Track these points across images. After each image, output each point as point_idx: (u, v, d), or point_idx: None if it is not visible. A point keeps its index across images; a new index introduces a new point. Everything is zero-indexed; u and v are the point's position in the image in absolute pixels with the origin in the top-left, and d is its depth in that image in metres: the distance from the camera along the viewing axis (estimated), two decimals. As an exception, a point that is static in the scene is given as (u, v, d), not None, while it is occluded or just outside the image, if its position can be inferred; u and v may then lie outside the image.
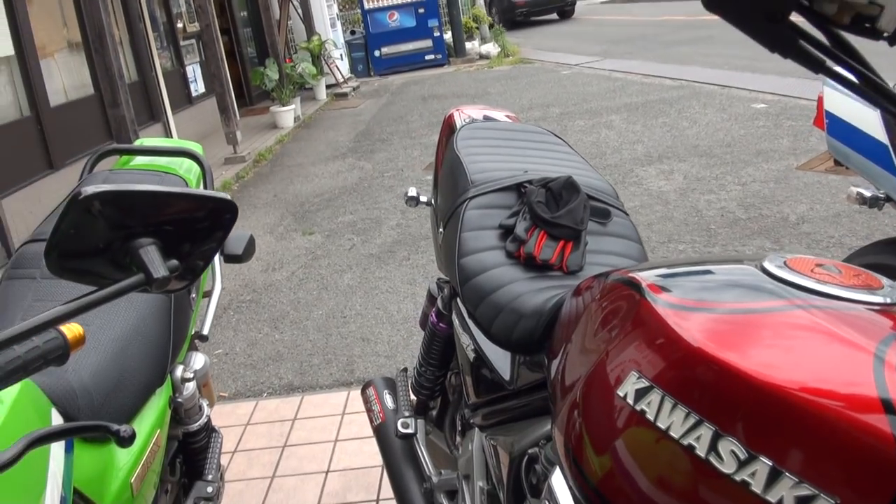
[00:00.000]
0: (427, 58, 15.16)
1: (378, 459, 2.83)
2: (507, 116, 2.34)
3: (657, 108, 8.40)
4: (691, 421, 0.78)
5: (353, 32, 15.34)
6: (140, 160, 2.10)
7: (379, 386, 2.04)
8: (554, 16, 22.16)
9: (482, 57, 15.53)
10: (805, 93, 7.73)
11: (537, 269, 1.61)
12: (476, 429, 1.57)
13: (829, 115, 2.18)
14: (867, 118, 2.04)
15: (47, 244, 0.84)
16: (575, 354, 1.07)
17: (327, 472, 2.83)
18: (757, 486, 0.71)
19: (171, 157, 2.08)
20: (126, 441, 1.02)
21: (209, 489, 1.84)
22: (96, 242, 0.86)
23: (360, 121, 10.31)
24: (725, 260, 1.07)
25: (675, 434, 0.79)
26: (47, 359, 0.93)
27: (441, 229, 1.82)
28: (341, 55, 13.83)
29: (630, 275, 1.02)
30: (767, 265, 0.91)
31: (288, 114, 10.11)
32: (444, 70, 14.78)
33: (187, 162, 2.09)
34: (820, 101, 2.24)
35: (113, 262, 0.88)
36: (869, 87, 0.77)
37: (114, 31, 6.42)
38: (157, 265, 0.86)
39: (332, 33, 13.71)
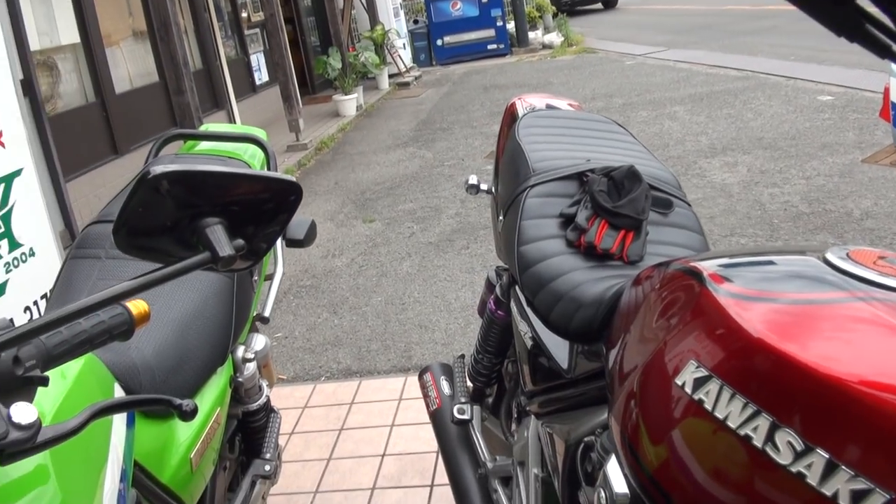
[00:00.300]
0: (489, 47, 15.11)
1: (433, 445, 2.85)
2: (570, 105, 2.32)
3: (722, 100, 8.25)
4: (749, 411, 0.77)
5: (416, 22, 15.37)
6: (204, 145, 2.14)
7: (436, 372, 2.05)
8: (598, 5, 21.99)
9: (545, 47, 15.42)
10: (871, 85, 7.51)
11: (597, 258, 1.59)
12: (532, 416, 1.57)
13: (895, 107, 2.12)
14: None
15: (116, 222, 0.86)
16: (633, 343, 1.07)
17: (383, 455, 2.86)
18: (812, 479, 0.71)
19: (236, 142, 2.12)
20: (188, 415, 1.04)
21: (267, 467, 1.87)
22: (164, 221, 0.88)
23: (421, 110, 10.34)
24: (788, 251, 1.05)
25: (732, 424, 0.79)
26: (112, 333, 0.96)
27: (501, 217, 1.82)
28: (404, 44, 13.87)
29: (691, 264, 1.01)
30: (830, 257, 0.89)
31: (350, 102, 10.19)
32: (506, 60, 14.72)
33: (251, 147, 2.12)
34: (886, 92, 2.18)
35: (179, 241, 0.90)
36: None
37: (179, 20, 6.54)
38: (224, 244, 0.88)
39: (396, 22, 13.76)
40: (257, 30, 10.54)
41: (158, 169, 0.83)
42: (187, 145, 2.15)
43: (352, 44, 11.59)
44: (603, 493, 1.01)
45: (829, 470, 0.70)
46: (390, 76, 12.66)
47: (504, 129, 2.25)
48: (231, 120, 8.94)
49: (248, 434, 1.90)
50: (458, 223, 5.54)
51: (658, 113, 8.05)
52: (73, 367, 1.18)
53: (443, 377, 2.02)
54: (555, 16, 16.88)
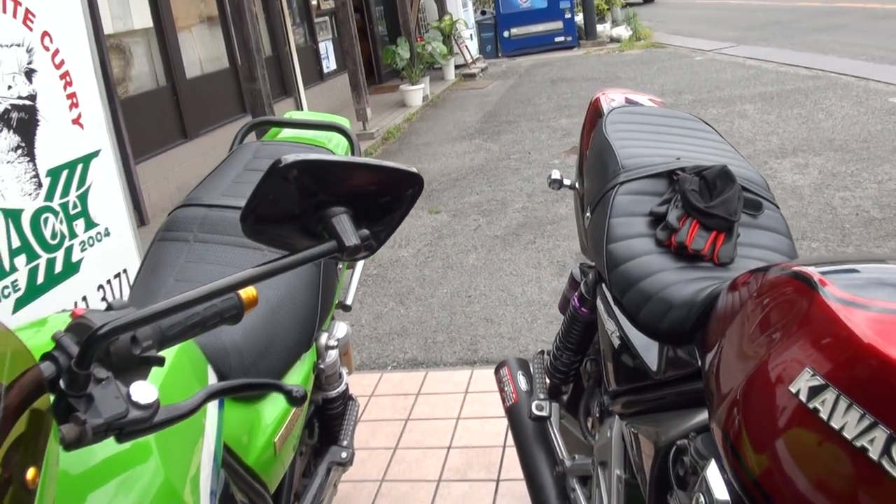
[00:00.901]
0: (557, 40, 15.00)
1: (500, 440, 2.86)
2: (652, 101, 2.28)
3: (792, 99, 8.08)
4: (866, 423, 0.76)
5: (483, 13, 15.32)
6: (288, 132, 2.16)
7: (513, 367, 2.04)
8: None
9: (613, 40, 15.26)
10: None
11: (687, 258, 1.57)
12: (616, 416, 1.55)
13: None
14: None
15: (244, 209, 0.87)
16: (737, 348, 1.04)
17: (449, 447, 2.86)
18: None
19: (320, 130, 2.14)
20: (297, 401, 1.05)
21: (343, 454, 1.89)
22: (291, 209, 0.89)
23: (487, 102, 10.32)
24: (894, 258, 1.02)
25: (847, 435, 0.77)
26: (223, 317, 0.97)
27: (588, 213, 1.80)
28: (471, 35, 13.84)
29: (798, 269, 0.98)
30: None
31: (417, 93, 10.21)
32: (573, 53, 14.60)
33: (336, 136, 2.13)
34: None
35: (304, 230, 0.91)
36: None
37: (252, 6, 6.61)
38: (350, 234, 0.89)
39: (464, 13, 13.73)
40: (326, 17, 10.61)
41: (289, 158, 0.84)
42: (271, 132, 2.17)
43: (419, 34, 11.60)
44: (703, 499, 1.00)
45: None
46: (456, 67, 12.65)
47: (588, 125, 2.23)
48: (299, 107, 9.04)
49: (326, 420, 1.92)
50: (525, 217, 5.51)
51: (728, 111, 7.90)
52: (172, 349, 1.21)
53: (520, 372, 2.01)
54: (623, 7, 16.68)
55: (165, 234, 1.79)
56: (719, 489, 0.97)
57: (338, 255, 0.90)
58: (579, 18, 15.53)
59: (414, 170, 0.94)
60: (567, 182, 2.13)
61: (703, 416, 1.21)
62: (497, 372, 2.07)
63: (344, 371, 1.94)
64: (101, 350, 0.82)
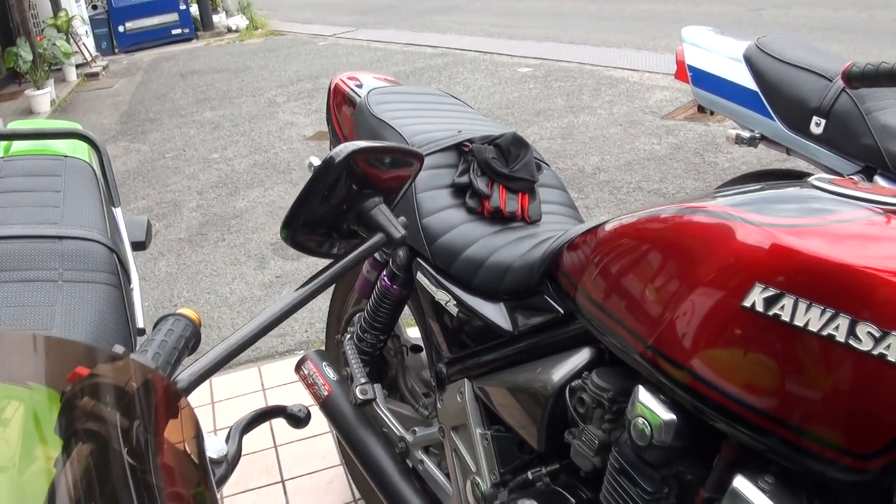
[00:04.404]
0: (174, 32, 14.41)
1: (268, 441, 2.78)
2: (387, 80, 2.35)
3: (427, 76, 8.62)
4: (828, 315, 0.89)
5: (94, 7, 14.18)
6: (21, 145, 1.89)
7: (316, 360, 1.99)
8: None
9: (231, 30, 15.05)
10: (564, 56, 8.31)
11: (501, 221, 1.67)
12: (465, 380, 1.60)
13: (693, 69, 2.42)
14: (733, 69, 2.29)
15: (288, 217, 0.80)
16: (651, 285, 1.13)
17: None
18: (893, 356, 0.84)
19: (57, 139, 1.90)
20: (303, 422, 0.98)
21: None
22: (336, 207, 0.82)
23: (119, 101, 9.66)
24: (774, 185, 1.19)
25: (813, 328, 0.90)
26: (187, 346, 0.88)
27: None
28: (87, 31, 12.78)
29: (703, 206, 1.11)
30: (821, 184, 1.05)
31: (44, 97, 9.20)
32: (194, 45, 14.15)
33: (76, 143, 1.91)
34: (679, 55, 2.47)
35: (338, 231, 0.84)
36: None
37: None
38: (394, 223, 0.84)
39: (76, 8, 12.61)
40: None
41: (346, 148, 0.77)
42: (3, 147, 1.88)
43: (37, 33, 10.43)
44: (642, 421, 1.09)
45: None
46: (77, 67, 11.61)
47: (336, 109, 2.23)
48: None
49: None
50: (204, 216, 5.31)
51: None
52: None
53: (324, 363, 1.98)
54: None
55: None
56: (660, 409, 1.07)
57: (387, 247, 0.85)
58: (194, 9, 15.06)
59: (415, 148, 0.91)
60: None
61: (582, 356, 1.32)
62: (299, 370, 2.01)
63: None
64: None
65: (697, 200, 1.15)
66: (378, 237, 0.86)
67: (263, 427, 2.85)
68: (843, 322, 0.89)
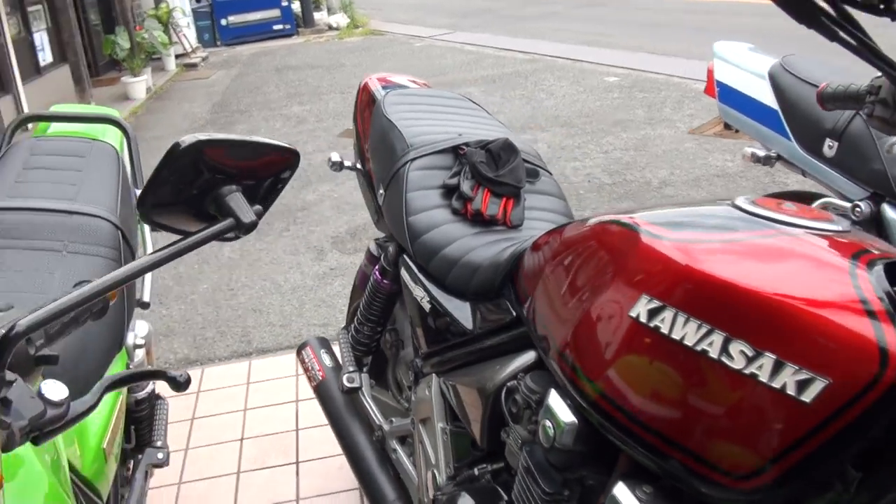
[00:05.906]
0: (275, 27, 14.85)
1: (291, 424, 2.89)
2: (415, 82, 2.42)
3: (514, 81, 8.66)
4: (703, 330, 0.91)
5: (198, 0, 14.77)
6: (58, 127, 2.04)
7: (315, 346, 2.09)
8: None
9: (331, 28, 15.39)
10: (653, 67, 8.21)
11: (483, 224, 1.72)
12: (433, 375, 1.66)
13: (720, 84, 2.41)
14: (757, 87, 2.28)
15: (142, 195, 0.87)
16: (568, 290, 1.18)
17: (242, 440, 2.84)
18: (764, 376, 0.86)
19: (92, 122, 2.05)
20: (183, 386, 1.05)
21: (160, 455, 1.84)
22: (187, 191, 0.90)
23: (214, 92, 10.04)
24: (700, 202, 1.21)
25: (688, 343, 0.93)
26: (92, 311, 0.96)
27: (381, 191, 1.89)
28: (188, 23, 13.32)
29: (619, 217, 1.14)
30: (741, 204, 1.06)
31: (140, 84, 9.68)
32: (293, 41, 14.55)
33: (109, 128, 2.05)
34: (710, 72, 2.46)
35: (196, 213, 0.92)
36: (872, 55, 0.93)
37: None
38: (246, 210, 0.91)
39: (179, 1, 13.17)
40: (39, 6, 9.68)
41: (189, 139, 0.85)
42: (40, 128, 2.04)
43: (137, 22, 10.97)
44: (549, 423, 1.13)
45: (777, 368, 0.85)
46: (177, 57, 12.14)
47: (361, 108, 2.32)
48: (18, 104, 8.18)
49: (137, 422, 1.86)
50: (275, 207, 5.44)
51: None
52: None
53: (322, 350, 2.07)
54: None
55: None
56: (564, 413, 1.11)
57: (236, 231, 0.92)
58: (296, 6, 15.48)
59: (289, 146, 0.99)
60: (348, 164, 2.20)
61: (524, 358, 1.36)
62: (299, 354, 2.11)
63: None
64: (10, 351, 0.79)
65: (623, 212, 1.18)
66: (227, 221, 0.92)
67: (288, 410, 2.96)
68: (717, 338, 0.91)
